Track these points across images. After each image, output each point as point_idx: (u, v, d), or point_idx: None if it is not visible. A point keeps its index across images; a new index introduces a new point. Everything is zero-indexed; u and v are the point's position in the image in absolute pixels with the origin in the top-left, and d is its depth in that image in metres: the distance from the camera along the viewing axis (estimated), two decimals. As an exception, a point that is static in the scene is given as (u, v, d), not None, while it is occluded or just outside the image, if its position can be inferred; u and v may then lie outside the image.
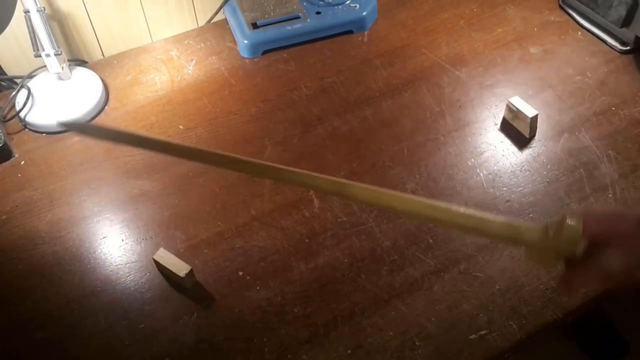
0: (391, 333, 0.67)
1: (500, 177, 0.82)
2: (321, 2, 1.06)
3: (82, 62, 1.04)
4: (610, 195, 0.79)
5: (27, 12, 0.86)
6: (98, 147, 0.88)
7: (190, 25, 1.10)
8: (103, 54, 1.07)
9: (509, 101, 0.87)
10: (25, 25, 0.87)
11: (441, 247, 0.74)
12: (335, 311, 0.69)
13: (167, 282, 0.72)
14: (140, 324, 0.69)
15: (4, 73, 1.00)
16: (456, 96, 0.93)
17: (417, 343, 0.66)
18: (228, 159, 0.54)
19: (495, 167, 0.83)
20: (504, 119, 0.89)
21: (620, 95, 0.92)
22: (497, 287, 0.70)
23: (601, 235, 0.48)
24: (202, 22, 1.11)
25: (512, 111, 0.87)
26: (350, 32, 1.05)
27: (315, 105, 0.93)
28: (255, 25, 1.02)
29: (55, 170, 0.85)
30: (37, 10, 0.85)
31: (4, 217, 0.80)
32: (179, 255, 0.72)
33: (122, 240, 0.77)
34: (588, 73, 0.96)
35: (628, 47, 0.98)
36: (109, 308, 0.70)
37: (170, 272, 0.70)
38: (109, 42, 1.05)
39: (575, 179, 0.81)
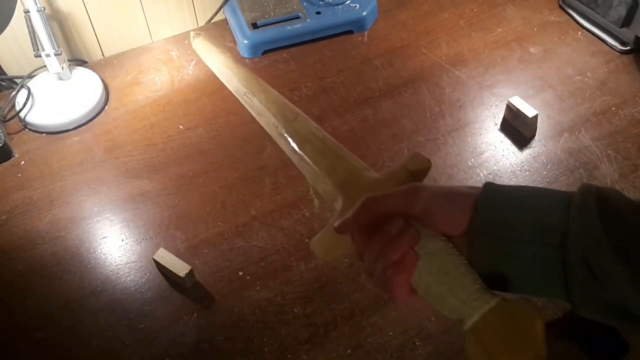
0: (391, 333, 0.67)
1: (500, 177, 0.82)
2: (321, 2, 1.06)
3: (82, 62, 1.04)
4: (610, 195, 0.79)
5: (27, 12, 0.86)
6: (98, 147, 0.88)
7: (190, 25, 1.10)
8: (103, 54, 1.07)
9: (509, 101, 0.87)
10: (25, 25, 0.87)
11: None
12: (335, 311, 0.69)
13: (167, 282, 0.72)
14: (140, 324, 0.69)
15: (4, 73, 1.00)
16: (456, 96, 0.93)
17: (417, 343, 0.66)
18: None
19: (495, 167, 0.83)
20: (504, 119, 0.89)
21: (620, 95, 0.92)
22: (497, 287, 0.70)
23: None
24: (202, 22, 1.11)
25: (512, 111, 0.87)
26: (350, 32, 1.05)
27: (315, 105, 0.93)
28: (255, 25, 1.02)
29: (55, 170, 0.85)
30: (37, 10, 0.85)
31: (4, 217, 0.80)
32: (179, 255, 0.72)
33: (122, 240, 0.77)
34: (588, 73, 0.96)
35: (628, 47, 0.98)
36: (109, 308, 0.70)
37: (170, 272, 0.70)
38: (109, 42, 1.05)
39: (575, 179, 0.81)
